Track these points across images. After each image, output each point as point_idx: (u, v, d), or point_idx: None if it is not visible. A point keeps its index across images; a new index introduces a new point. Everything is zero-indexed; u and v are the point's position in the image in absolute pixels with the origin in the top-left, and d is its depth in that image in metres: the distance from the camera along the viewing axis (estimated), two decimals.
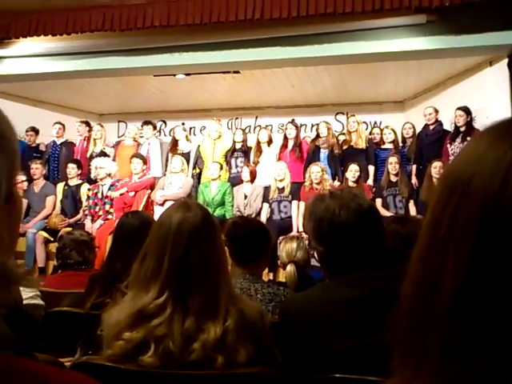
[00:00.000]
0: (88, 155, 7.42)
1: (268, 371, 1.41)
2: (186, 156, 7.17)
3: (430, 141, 6.68)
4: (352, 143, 6.91)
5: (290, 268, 3.06)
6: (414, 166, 6.77)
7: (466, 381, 0.41)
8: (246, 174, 6.56)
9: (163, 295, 1.41)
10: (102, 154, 7.30)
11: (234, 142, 7.25)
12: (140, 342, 1.37)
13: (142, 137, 7.75)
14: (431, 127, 6.74)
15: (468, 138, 5.94)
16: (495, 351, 0.40)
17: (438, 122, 6.74)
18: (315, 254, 4.71)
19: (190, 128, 9.15)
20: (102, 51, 6.25)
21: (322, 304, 1.39)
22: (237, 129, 7.99)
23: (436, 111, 6.75)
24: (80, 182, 6.98)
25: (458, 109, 6.32)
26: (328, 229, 1.39)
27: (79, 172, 6.98)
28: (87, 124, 7.82)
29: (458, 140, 6.21)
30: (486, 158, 0.45)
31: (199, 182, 7.10)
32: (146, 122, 7.56)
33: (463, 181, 0.46)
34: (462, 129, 6.25)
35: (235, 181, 6.88)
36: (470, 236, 0.43)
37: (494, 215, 0.42)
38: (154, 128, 7.74)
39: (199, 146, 7.43)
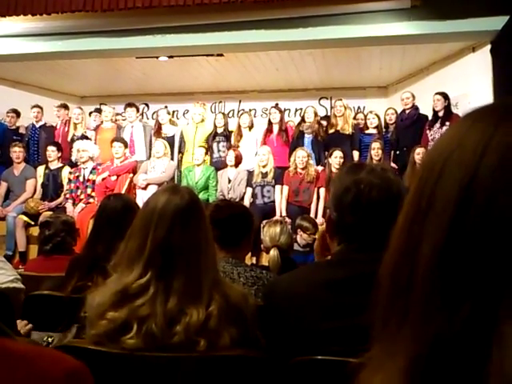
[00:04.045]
0: (69, 139, 7.32)
1: (251, 354, 1.41)
2: (170, 140, 7.10)
3: (406, 125, 6.72)
4: (338, 128, 6.89)
5: (273, 252, 3.06)
6: (392, 152, 6.82)
7: (450, 328, 0.44)
8: (230, 158, 6.52)
9: (146, 275, 1.41)
10: (84, 137, 7.20)
11: (216, 126, 7.14)
12: (123, 322, 1.37)
13: (124, 119, 7.64)
14: (407, 112, 6.79)
15: (447, 123, 5.99)
16: (476, 299, 0.44)
17: (414, 107, 6.76)
18: (298, 239, 4.69)
19: (173, 111, 9.07)
20: (83, 32, 6.14)
21: (307, 285, 1.39)
22: (218, 113, 7.90)
23: (413, 96, 6.78)
24: (61, 165, 6.90)
25: (437, 93, 6.35)
26: (351, 200, 1.40)
27: (59, 155, 6.88)
28: (66, 107, 7.69)
29: (437, 125, 6.25)
30: (467, 137, 0.48)
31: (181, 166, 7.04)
32: (130, 105, 7.39)
33: (444, 157, 0.49)
34: (440, 114, 6.27)
35: (218, 165, 6.83)
36: (450, 204, 0.46)
37: (472, 183, 0.46)
38: (138, 110, 7.62)
39: (182, 129, 7.36)
